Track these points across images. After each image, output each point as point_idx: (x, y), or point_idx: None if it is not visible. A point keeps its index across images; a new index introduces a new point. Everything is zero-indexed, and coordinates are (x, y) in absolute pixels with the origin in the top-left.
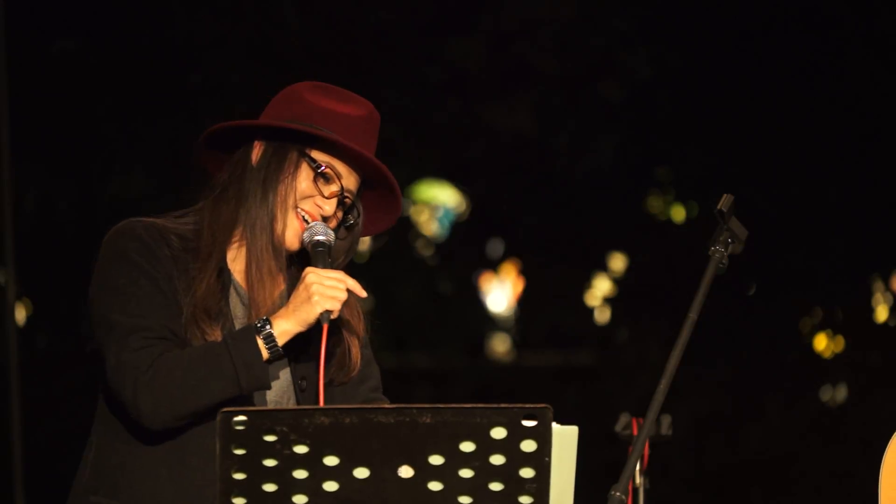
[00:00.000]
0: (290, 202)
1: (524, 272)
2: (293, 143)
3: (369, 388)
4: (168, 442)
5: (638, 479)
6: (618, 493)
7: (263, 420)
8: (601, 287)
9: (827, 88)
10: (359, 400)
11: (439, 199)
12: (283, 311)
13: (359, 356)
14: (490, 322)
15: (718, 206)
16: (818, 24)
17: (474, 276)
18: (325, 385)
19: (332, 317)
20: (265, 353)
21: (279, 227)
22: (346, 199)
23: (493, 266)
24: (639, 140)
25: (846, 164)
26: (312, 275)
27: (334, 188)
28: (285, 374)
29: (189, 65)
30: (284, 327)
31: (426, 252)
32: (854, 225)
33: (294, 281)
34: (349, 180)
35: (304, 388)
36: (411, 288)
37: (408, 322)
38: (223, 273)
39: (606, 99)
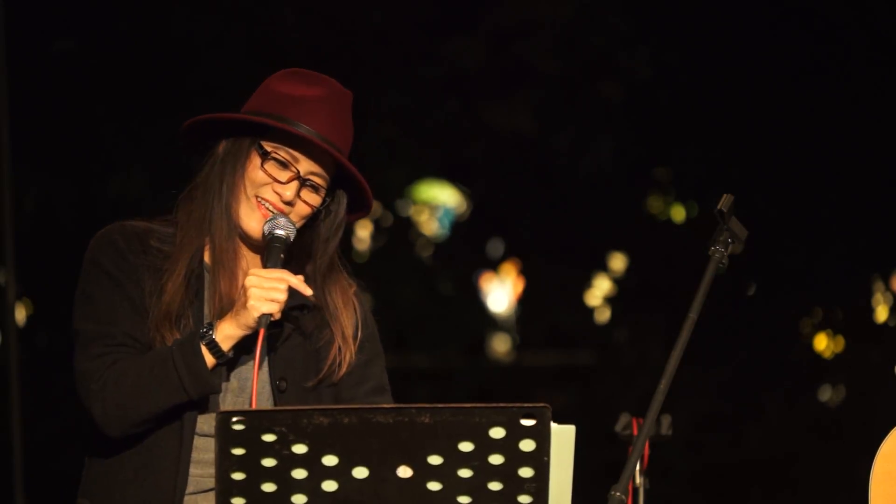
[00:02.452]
0: (248, 191)
1: (524, 272)
2: (247, 133)
3: (367, 391)
4: (134, 446)
5: (638, 479)
6: (618, 493)
7: (262, 420)
8: (601, 287)
9: (827, 88)
10: (353, 403)
11: (439, 199)
12: (227, 314)
13: (347, 355)
14: (490, 322)
15: (718, 206)
16: (818, 24)
17: (474, 276)
18: (315, 385)
19: (274, 318)
20: (210, 359)
21: (238, 216)
22: (309, 182)
23: (493, 266)
24: (639, 140)
25: (846, 164)
26: (252, 277)
27: (290, 172)
28: (263, 376)
29: (189, 65)
30: (227, 332)
31: (426, 252)
32: (854, 225)
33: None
34: (309, 164)
35: (283, 388)
36: (411, 288)
37: (408, 322)
38: (195, 272)
39: (606, 99)
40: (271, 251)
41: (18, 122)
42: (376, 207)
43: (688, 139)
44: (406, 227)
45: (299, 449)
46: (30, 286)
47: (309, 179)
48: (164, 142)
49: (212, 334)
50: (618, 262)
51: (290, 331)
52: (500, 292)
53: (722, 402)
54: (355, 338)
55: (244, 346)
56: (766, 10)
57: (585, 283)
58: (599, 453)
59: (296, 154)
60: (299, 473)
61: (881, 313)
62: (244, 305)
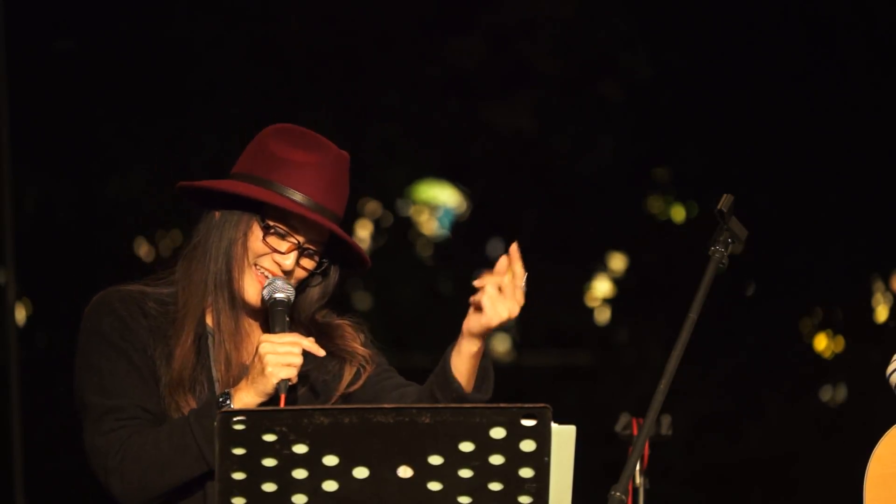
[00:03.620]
0: (248, 260)
1: (524, 272)
2: (246, 201)
3: (394, 386)
4: None
5: (638, 479)
6: (618, 493)
7: (263, 420)
8: (601, 287)
9: (827, 88)
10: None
11: (439, 199)
12: (243, 382)
13: (361, 356)
14: None
15: (718, 206)
16: (818, 24)
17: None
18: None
19: (292, 382)
20: None
21: (240, 286)
22: (307, 251)
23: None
24: (639, 140)
25: (846, 163)
26: (266, 344)
27: (290, 243)
28: None
29: (189, 65)
30: (246, 400)
31: (426, 252)
32: (854, 225)
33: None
34: (306, 232)
35: None
36: (411, 288)
37: (408, 322)
38: (201, 338)
39: (606, 99)
40: (276, 315)
41: (18, 122)
42: (376, 207)
43: (688, 139)
44: (406, 227)
45: (300, 449)
46: (30, 286)
47: (307, 248)
48: (164, 142)
49: (230, 403)
50: (618, 262)
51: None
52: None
53: (722, 402)
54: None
55: None
56: (766, 10)
57: (585, 283)
58: (599, 453)
59: (295, 225)
60: (300, 473)
61: (881, 313)
62: (262, 373)
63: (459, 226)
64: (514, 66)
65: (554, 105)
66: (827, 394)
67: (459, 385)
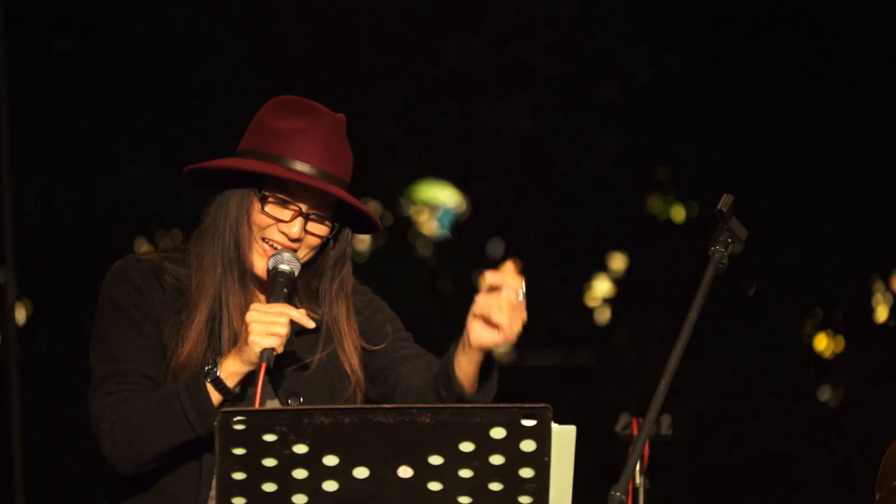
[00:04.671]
0: (254, 234)
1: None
2: (246, 177)
3: (407, 357)
4: (151, 489)
5: (638, 479)
6: (618, 493)
7: (263, 420)
8: (601, 287)
9: (827, 88)
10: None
11: (439, 199)
12: (232, 350)
13: (355, 359)
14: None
15: (718, 206)
16: (818, 24)
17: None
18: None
19: (277, 352)
20: (216, 396)
21: (250, 261)
22: (313, 215)
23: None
24: (639, 140)
25: (846, 163)
26: (253, 312)
27: (292, 211)
28: (272, 397)
29: (189, 65)
30: (231, 368)
31: (426, 252)
32: (854, 225)
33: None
34: (310, 199)
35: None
36: (411, 288)
37: (408, 322)
38: (215, 318)
39: (606, 99)
40: (275, 285)
41: (18, 122)
42: (376, 207)
43: (688, 139)
44: (406, 227)
45: (300, 449)
46: (30, 286)
47: (312, 213)
48: (164, 142)
49: (216, 371)
50: (618, 262)
51: (298, 351)
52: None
53: (722, 402)
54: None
55: (254, 381)
56: (766, 10)
57: (585, 284)
58: (599, 453)
59: (294, 192)
60: (300, 473)
61: (881, 313)
62: (246, 341)
63: (459, 226)
64: (514, 66)
65: (554, 105)
66: (827, 394)
67: (462, 387)
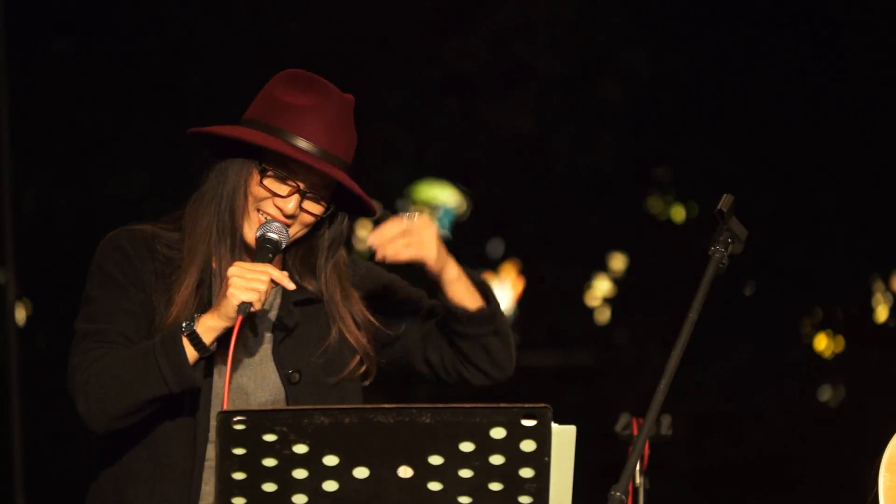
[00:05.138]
0: (251, 206)
1: (524, 272)
2: (248, 147)
3: (424, 314)
4: (145, 460)
5: (638, 479)
6: (618, 493)
7: (263, 420)
8: (601, 287)
9: (827, 88)
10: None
11: (439, 199)
12: (214, 307)
13: (358, 335)
14: None
15: (718, 206)
16: (818, 24)
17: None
18: (337, 382)
19: (254, 308)
20: (192, 352)
21: (243, 230)
22: (310, 194)
23: (493, 266)
24: (639, 140)
25: (846, 163)
26: (234, 268)
27: (290, 187)
28: (270, 368)
29: (189, 65)
30: (209, 323)
31: None
32: (854, 225)
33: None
34: (308, 177)
35: (295, 380)
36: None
37: None
38: (205, 282)
39: (606, 99)
40: (260, 251)
41: (18, 123)
42: (376, 207)
43: (688, 139)
44: None
45: (300, 449)
46: (30, 286)
47: (310, 192)
48: (164, 142)
49: (193, 326)
50: (618, 262)
51: (296, 324)
52: (500, 292)
53: (722, 402)
54: (365, 326)
55: (247, 346)
56: (766, 9)
57: (585, 283)
58: (599, 453)
59: (295, 169)
60: (300, 473)
61: (881, 313)
62: (224, 294)
63: (459, 226)
64: (514, 66)
65: (554, 105)
66: (827, 394)
67: (464, 310)
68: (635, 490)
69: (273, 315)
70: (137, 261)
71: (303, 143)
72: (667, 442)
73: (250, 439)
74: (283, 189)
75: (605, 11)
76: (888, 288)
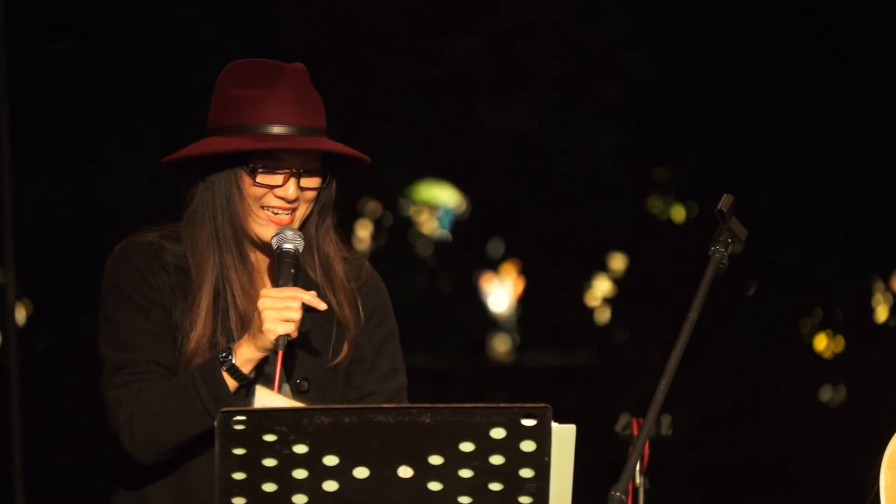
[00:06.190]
0: (253, 206)
1: (524, 272)
2: (227, 156)
3: (379, 378)
4: (170, 474)
5: (638, 479)
6: (618, 493)
7: (263, 420)
8: (601, 287)
9: (827, 88)
10: (364, 391)
11: (439, 199)
12: (245, 337)
13: (346, 305)
14: (490, 322)
15: (718, 206)
16: (818, 24)
17: (474, 276)
18: (333, 378)
19: (291, 337)
20: (232, 383)
21: (254, 232)
22: (304, 170)
23: (494, 266)
24: (639, 140)
25: (846, 163)
26: (265, 299)
27: (283, 174)
28: (285, 387)
29: (189, 65)
30: (247, 355)
31: (426, 252)
32: (854, 225)
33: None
34: (296, 158)
35: (304, 389)
36: (411, 288)
37: (408, 322)
38: (221, 294)
39: (606, 99)
40: (281, 267)
41: (18, 122)
42: (376, 207)
43: (688, 139)
44: (406, 227)
45: (300, 449)
46: (30, 286)
47: (302, 169)
48: (163, 142)
49: (231, 359)
50: (618, 262)
51: (307, 331)
52: (500, 292)
53: (722, 402)
54: (357, 324)
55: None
56: (766, 9)
57: (585, 283)
58: (599, 453)
59: (281, 156)
60: (300, 473)
61: (881, 313)
62: (260, 329)
63: (459, 226)
64: (514, 66)
65: (554, 105)
66: (827, 394)
67: None
68: (635, 490)
69: None
70: (152, 277)
71: (277, 129)
72: (667, 442)
73: (250, 439)
74: (277, 179)
75: (605, 11)
76: (888, 288)
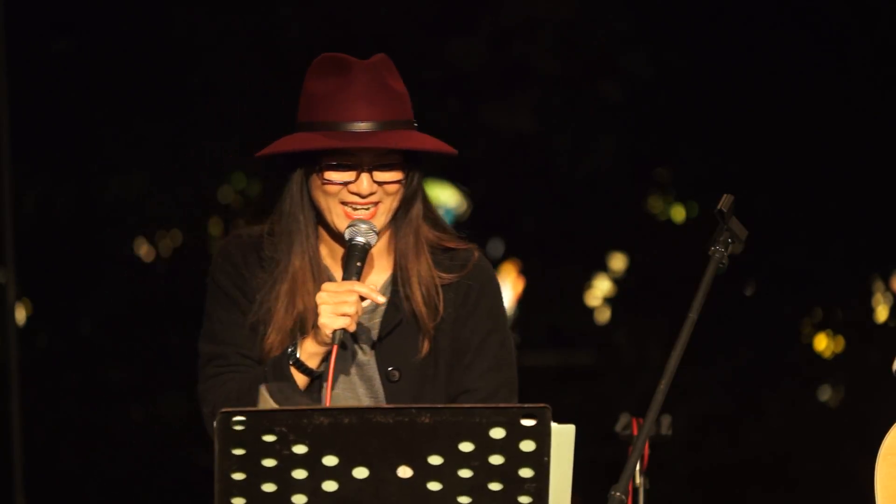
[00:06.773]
0: (331, 204)
1: (524, 272)
2: (304, 153)
3: (482, 371)
4: None
5: (638, 479)
6: (618, 493)
7: (262, 420)
8: (601, 287)
9: (827, 88)
10: (464, 387)
11: (439, 199)
12: (311, 331)
13: (417, 294)
14: None
15: (718, 206)
16: (818, 24)
17: None
18: (434, 372)
19: (349, 330)
20: (301, 378)
21: (335, 227)
22: (378, 165)
23: (494, 266)
24: (639, 140)
25: (846, 164)
26: (322, 293)
27: (354, 171)
28: (371, 366)
29: (189, 65)
30: (310, 350)
31: None
32: (854, 225)
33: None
34: (368, 153)
35: (394, 378)
36: None
37: None
38: (295, 294)
39: (606, 99)
40: (349, 259)
41: (18, 123)
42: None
43: (688, 139)
44: None
45: (300, 449)
46: (30, 286)
47: (375, 164)
48: (164, 142)
49: (297, 354)
50: (618, 262)
51: (400, 320)
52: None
53: (722, 402)
54: (432, 318)
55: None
56: (767, 9)
57: (585, 283)
58: (599, 453)
59: (352, 151)
60: (299, 474)
61: (881, 313)
62: (318, 323)
63: (459, 226)
64: (514, 66)
65: (554, 105)
66: (827, 394)
67: None
68: (635, 490)
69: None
70: (246, 270)
71: (347, 125)
72: (667, 442)
73: (250, 440)
74: (349, 175)
75: (605, 11)
76: (888, 288)
